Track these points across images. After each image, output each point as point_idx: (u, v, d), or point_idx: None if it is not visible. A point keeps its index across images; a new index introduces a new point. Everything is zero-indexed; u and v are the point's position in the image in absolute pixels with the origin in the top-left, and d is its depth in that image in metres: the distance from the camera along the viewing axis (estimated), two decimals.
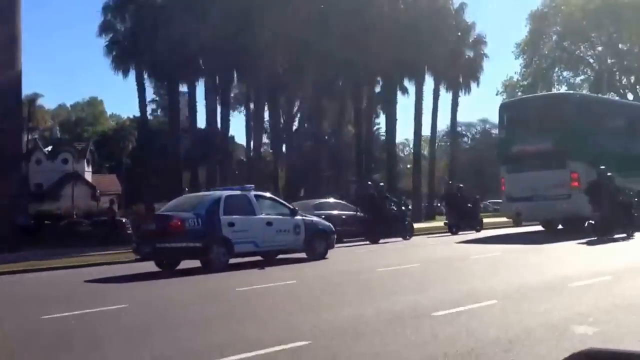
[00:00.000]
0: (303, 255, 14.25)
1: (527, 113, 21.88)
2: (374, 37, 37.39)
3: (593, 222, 15.52)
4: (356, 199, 21.55)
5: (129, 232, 18.75)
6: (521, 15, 54.56)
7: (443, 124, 66.76)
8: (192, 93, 40.40)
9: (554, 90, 52.04)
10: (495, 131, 62.29)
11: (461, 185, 23.66)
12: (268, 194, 15.45)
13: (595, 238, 14.74)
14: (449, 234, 21.25)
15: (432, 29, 40.99)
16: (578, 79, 54.41)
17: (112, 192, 44.83)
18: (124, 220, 22.04)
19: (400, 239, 19.62)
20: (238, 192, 14.15)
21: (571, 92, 25.23)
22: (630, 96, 50.39)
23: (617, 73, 52.79)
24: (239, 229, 13.37)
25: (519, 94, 50.42)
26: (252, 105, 42.47)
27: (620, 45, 51.16)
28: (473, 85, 49.14)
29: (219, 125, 39.01)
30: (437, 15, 42.81)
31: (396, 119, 45.51)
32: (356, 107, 43.59)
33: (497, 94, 53.33)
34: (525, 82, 52.10)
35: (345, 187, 33.95)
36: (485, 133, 71.78)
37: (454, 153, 52.23)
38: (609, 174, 16.12)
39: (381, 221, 19.08)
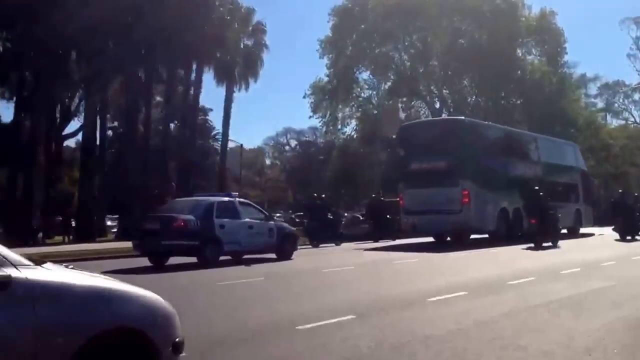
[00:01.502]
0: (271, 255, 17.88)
1: (423, 135, 25.20)
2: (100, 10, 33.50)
3: (531, 232, 19.46)
4: (305, 210, 24.32)
5: None
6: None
7: (270, 130, 67.42)
8: None
9: (355, 93, 52.48)
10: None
11: (382, 197, 26.90)
12: (247, 201, 17.99)
13: (534, 245, 18.56)
14: (372, 241, 24.46)
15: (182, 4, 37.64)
16: (383, 84, 53.16)
17: None
18: None
19: (333, 244, 22.62)
20: (226, 199, 16.69)
21: (462, 117, 29.25)
22: (437, 104, 52.93)
23: (422, 77, 52.25)
24: (228, 231, 16.26)
25: (327, 97, 51.01)
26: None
27: (432, 49, 51.38)
28: (251, 80, 47.00)
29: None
30: None
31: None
32: (103, 99, 40.43)
33: (304, 97, 52.07)
34: (330, 85, 50.77)
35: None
36: (325, 141, 68.68)
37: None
38: (541, 193, 19.80)
39: (324, 228, 21.99)
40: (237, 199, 18.14)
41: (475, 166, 23.67)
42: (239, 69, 45.30)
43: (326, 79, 50.55)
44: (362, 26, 49.29)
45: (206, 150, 58.36)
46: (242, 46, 45.86)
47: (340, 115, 52.00)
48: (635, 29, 67.32)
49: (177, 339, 3.93)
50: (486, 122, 32.26)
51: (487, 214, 23.62)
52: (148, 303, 3.89)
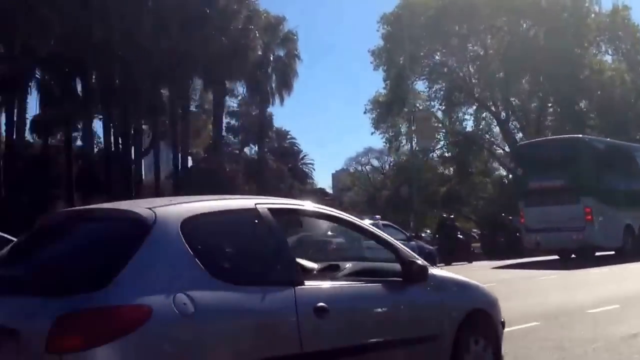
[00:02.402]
0: None
1: (542, 153, 26.07)
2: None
3: None
4: (438, 229, 25.52)
5: None
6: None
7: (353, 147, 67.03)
8: None
9: (416, 105, 47.96)
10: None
11: (510, 217, 27.73)
12: (389, 223, 19.42)
13: None
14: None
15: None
16: (439, 93, 50.20)
17: None
18: None
19: (465, 262, 23.63)
20: (370, 221, 17.99)
21: (581, 135, 29.45)
22: (502, 114, 50.83)
23: (482, 84, 49.54)
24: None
25: (385, 111, 49.09)
26: None
27: (482, 52, 48.92)
28: (285, 94, 44.16)
29: None
30: None
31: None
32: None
33: (364, 112, 50.89)
34: (387, 98, 48.50)
35: None
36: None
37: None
38: None
39: (456, 248, 23.10)
40: (380, 221, 19.69)
41: (597, 183, 24.48)
42: (271, 82, 43.58)
43: (384, 92, 49.08)
44: (413, 33, 43.92)
45: (294, 174, 57.49)
46: (272, 58, 43.98)
47: (403, 129, 49.48)
48: None
49: (502, 319, 5.36)
50: (606, 139, 32.26)
51: (612, 230, 24.13)
52: (486, 291, 5.47)
